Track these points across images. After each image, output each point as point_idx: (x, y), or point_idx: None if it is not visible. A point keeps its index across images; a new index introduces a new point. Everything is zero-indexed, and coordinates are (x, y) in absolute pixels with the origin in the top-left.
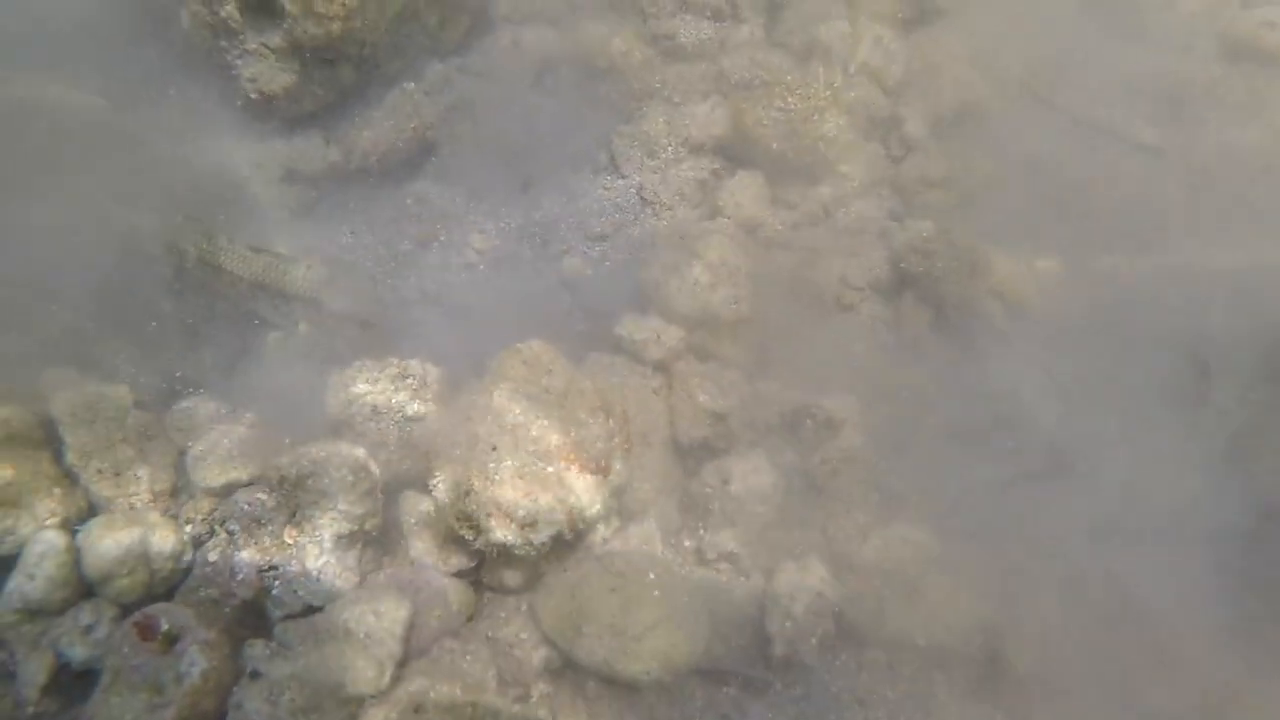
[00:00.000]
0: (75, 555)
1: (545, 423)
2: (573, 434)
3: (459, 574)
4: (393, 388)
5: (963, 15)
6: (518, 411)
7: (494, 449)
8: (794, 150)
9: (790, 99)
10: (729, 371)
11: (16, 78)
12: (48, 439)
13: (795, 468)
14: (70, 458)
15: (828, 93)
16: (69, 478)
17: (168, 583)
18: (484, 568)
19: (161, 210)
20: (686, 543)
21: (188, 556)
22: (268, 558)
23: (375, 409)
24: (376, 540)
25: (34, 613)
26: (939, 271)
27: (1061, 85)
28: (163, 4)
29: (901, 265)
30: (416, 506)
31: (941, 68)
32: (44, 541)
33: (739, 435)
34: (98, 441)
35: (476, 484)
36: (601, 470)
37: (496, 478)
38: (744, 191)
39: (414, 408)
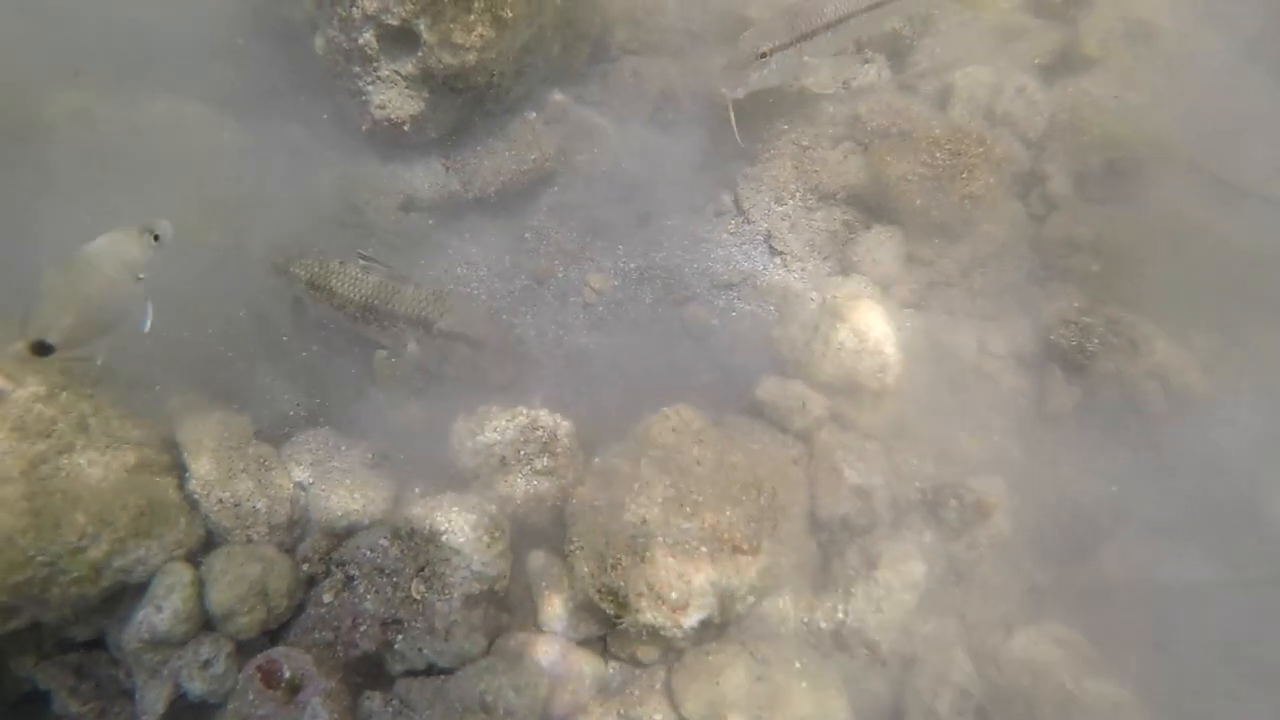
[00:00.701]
0: (199, 589)
1: (699, 498)
2: (727, 512)
3: (587, 640)
4: (521, 439)
5: (1114, 65)
6: (669, 484)
7: (643, 522)
8: (937, 207)
9: (939, 154)
10: (870, 444)
11: (160, 97)
12: (173, 464)
13: (936, 550)
14: (192, 485)
15: (980, 150)
16: (190, 505)
17: (280, 620)
18: (613, 636)
19: (276, 233)
20: (823, 624)
21: (300, 594)
22: (392, 610)
23: (504, 461)
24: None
25: (157, 644)
26: (1094, 347)
27: (1225, 148)
28: (293, 28)
29: (1050, 338)
30: (548, 569)
31: (1090, 122)
32: (172, 574)
33: (880, 513)
34: (220, 471)
35: (624, 559)
36: (752, 551)
37: (647, 554)
38: (881, 248)
39: (543, 462)
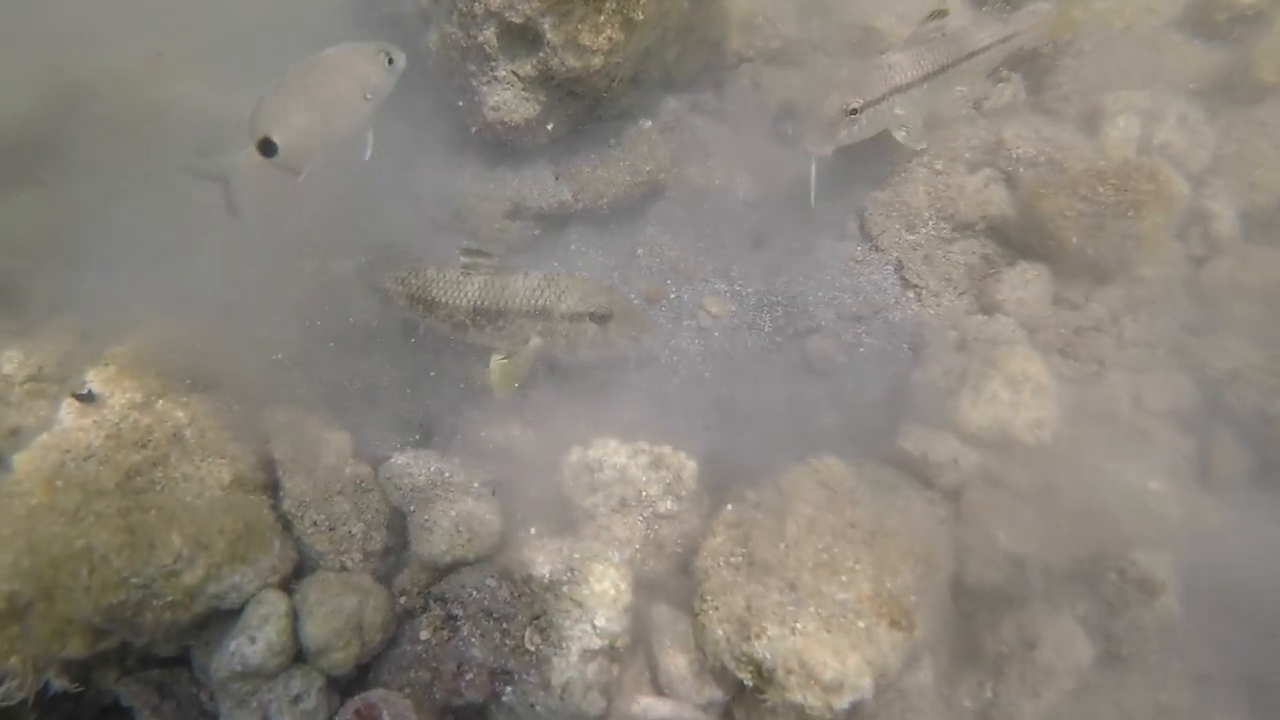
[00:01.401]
0: (293, 620)
1: (855, 566)
2: (887, 584)
3: (711, 705)
4: (643, 478)
5: None
6: (821, 548)
7: (792, 588)
8: (1094, 246)
9: (1102, 189)
10: (1023, 505)
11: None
12: (267, 482)
13: (1091, 626)
14: (287, 505)
15: (1151, 186)
16: (283, 526)
17: (372, 654)
18: (739, 702)
19: (369, 238)
20: (966, 701)
21: (393, 628)
22: (501, 660)
23: (623, 501)
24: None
25: (249, 675)
26: (1276, 410)
27: None
28: (402, 21)
29: (1221, 396)
30: (672, 625)
31: (1262, 156)
32: (267, 603)
33: (1033, 582)
34: (316, 491)
35: (770, 628)
36: (910, 627)
37: (798, 626)
38: (1027, 287)
39: (666, 505)
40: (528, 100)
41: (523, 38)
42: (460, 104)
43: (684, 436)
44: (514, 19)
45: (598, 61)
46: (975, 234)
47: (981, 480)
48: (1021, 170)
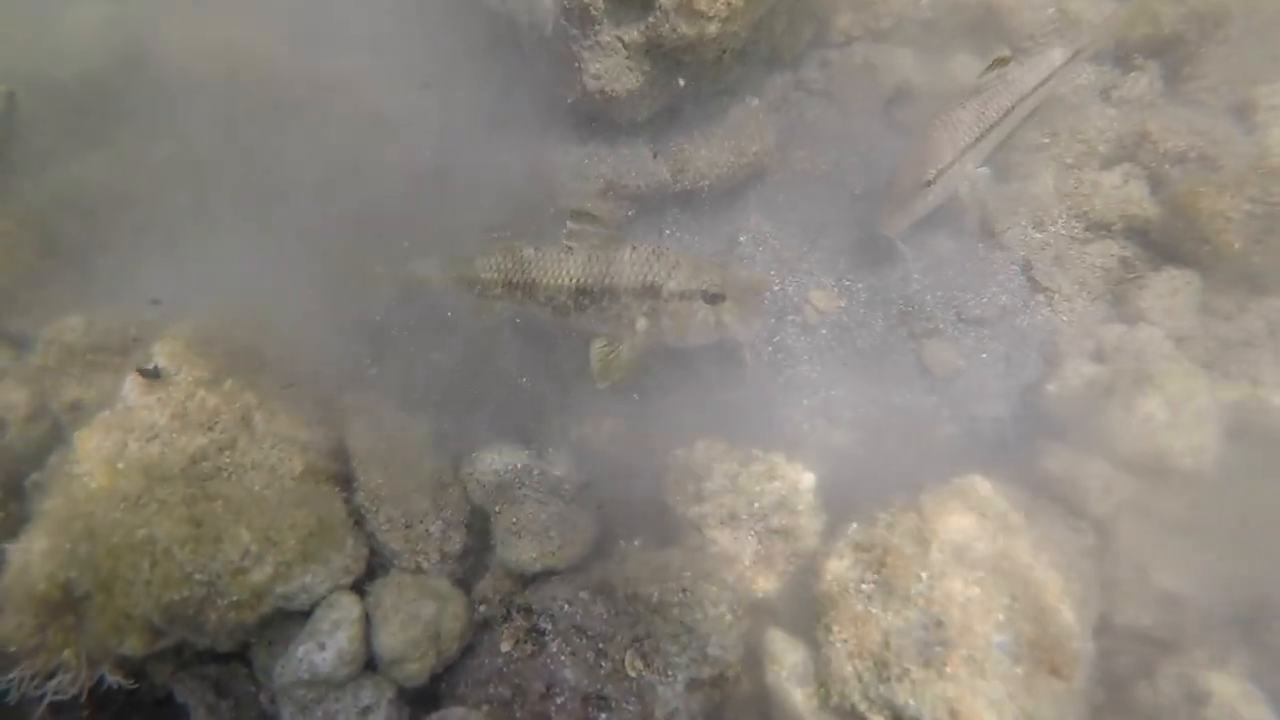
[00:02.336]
0: (366, 626)
1: (1013, 604)
2: (1050, 626)
3: None
4: (756, 489)
5: None
6: (972, 580)
7: (939, 625)
8: (1260, 253)
9: (1276, 189)
10: (1181, 540)
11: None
12: (340, 474)
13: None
14: (361, 498)
15: None
16: (356, 520)
17: (446, 663)
18: None
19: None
20: None
21: (469, 637)
22: (597, 685)
23: (733, 515)
24: None
25: (316, 683)
26: None
27: None
28: None
29: None
30: (788, 655)
31: None
32: (339, 608)
33: (1190, 628)
34: (392, 485)
35: (914, 669)
36: (1071, 676)
37: (947, 670)
38: (1176, 296)
39: (779, 520)
40: (631, 70)
41: (632, 1)
42: (557, 72)
43: (791, 442)
44: None
45: (713, 29)
46: (1112, 235)
47: (1134, 510)
48: (1168, 167)
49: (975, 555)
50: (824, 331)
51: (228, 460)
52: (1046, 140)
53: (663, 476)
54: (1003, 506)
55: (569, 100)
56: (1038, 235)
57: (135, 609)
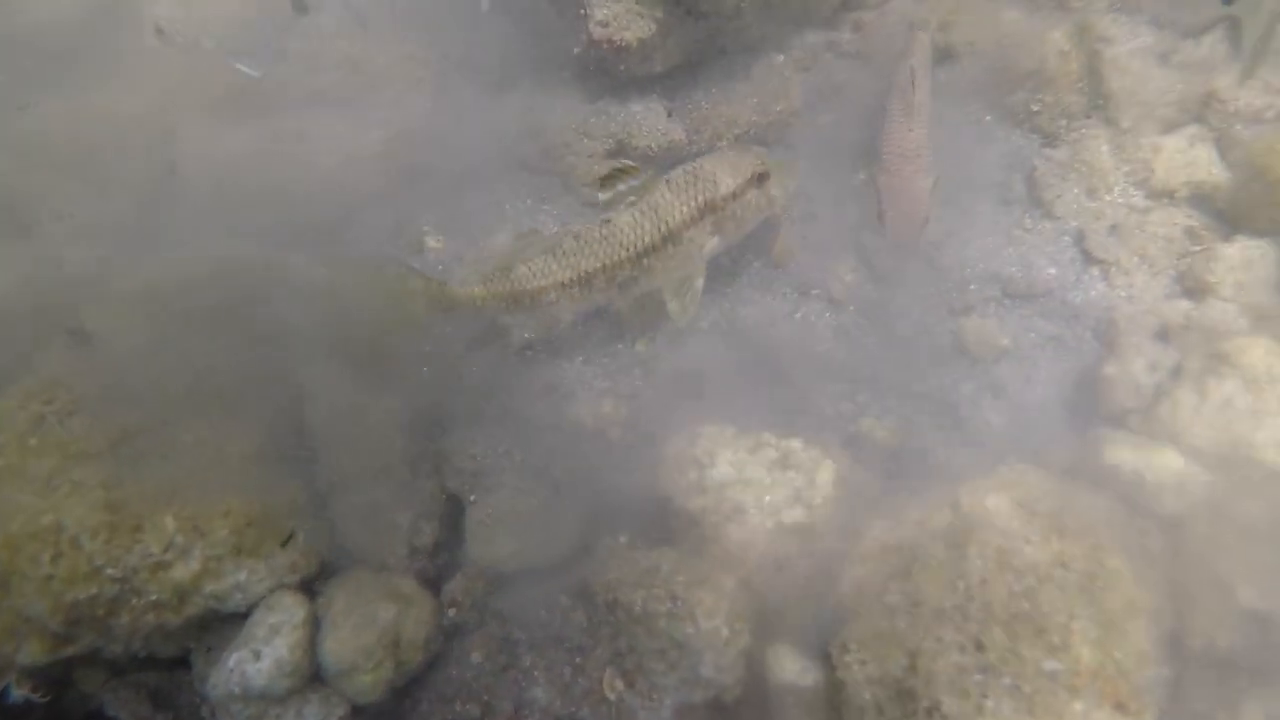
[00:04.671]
0: (312, 630)
1: (1070, 622)
2: (1115, 651)
3: None
4: (767, 478)
5: None
6: (1019, 593)
7: (978, 647)
8: None
9: None
10: (1264, 548)
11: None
12: (299, 453)
13: None
14: (321, 481)
15: None
16: (316, 507)
17: (408, 675)
18: None
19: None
20: None
21: (437, 645)
22: (570, 706)
23: (739, 508)
24: None
25: (250, 699)
26: None
27: None
28: None
29: None
30: (799, 679)
31: None
32: (281, 610)
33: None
34: (357, 468)
35: (947, 701)
36: (1139, 712)
37: (988, 704)
38: (1249, 269)
39: (794, 514)
40: (642, 17)
41: None
42: (561, 20)
43: (815, 429)
44: None
45: None
46: (1176, 203)
47: (1211, 510)
48: (1240, 128)
49: (1022, 562)
50: (852, 308)
51: (169, 437)
52: (1100, 102)
53: (662, 465)
54: (1055, 503)
55: (575, 51)
56: (1091, 204)
57: (31, 609)
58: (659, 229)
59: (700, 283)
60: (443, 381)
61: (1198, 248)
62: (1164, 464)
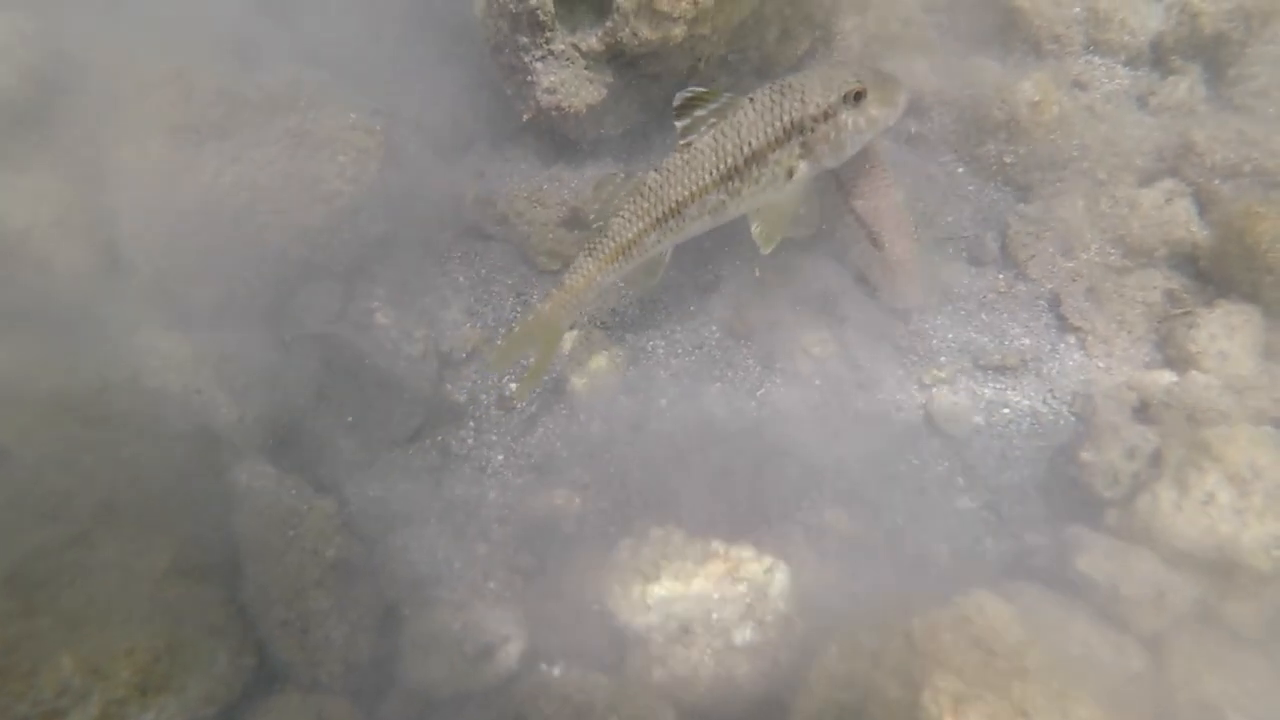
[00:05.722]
0: None
1: None
2: None
3: None
4: (715, 592)
5: None
6: None
7: None
8: None
9: None
10: (1255, 661)
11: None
12: (223, 563)
13: None
14: (246, 595)
15: None
16: (240, 626)
17: None
18: None
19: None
20: None
21: None
22: None
23: (686, 629)
24: None
25: None
26: None
27: None
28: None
29: None
30: None
31: None
32: None
33: None
34: (286, 580)
35: None
36: None
37: None
38: (1231, 336)
39: (744, 633)
40: (592, 82)
41: (585, 3)
42: (510, 86)
43: (775, 520)
44: None
45: (678, 32)
46: (1155, 263)
47: (1195, 621)
48: (1218, 183)
49: (982, 710)
50: (818, 382)
51: (73, 558)
52: (1075, 153)
53: (609, 572)
54: (1018, 636)
55: (525, 117)
56: (1067, 264)
57: None
58: (741, 150)
59: (790, 205)
60: (383, 475)
61: (1179, 311)
62: (1142, 574)
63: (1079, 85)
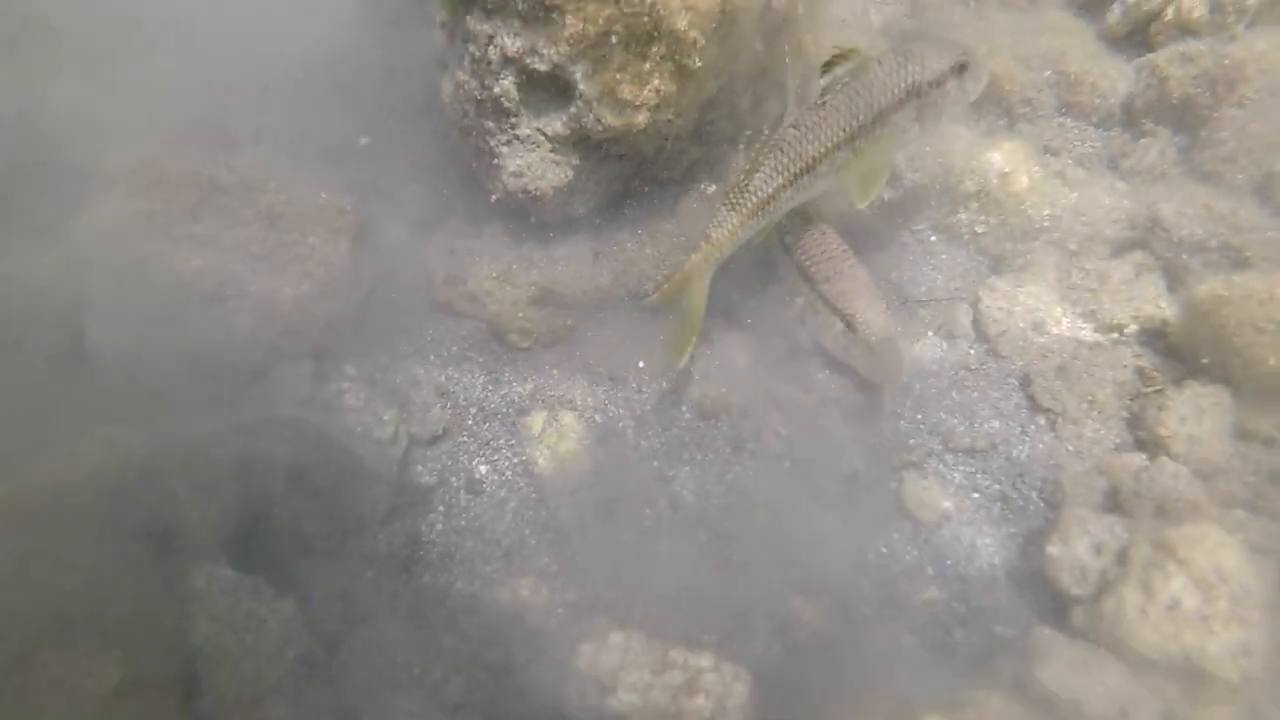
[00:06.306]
0: None
1: None
2: None
3: None
4: (673, 706)
5: None
6: None
7: None
8: None
9: None
10: None
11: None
12: (180, 674)
13: None
14: (204, 707)
15: None
16: None
17: None
18: None
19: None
20: None
21: None
22: None
23: None
24: None
25: None
26: None
27: None
28: (421, 66)
29: None
30: None
31: None
32: None
33: None
34: (245, 689)
35: None
36: None
37: None
38: (1201, 420)
39: None
40: (558, 164)
41: (550, 89)
42: (479, 166)
43: (736, 621)
44: (538, 66)
45: (642, 119)
46: (1126, 339)
47: None
48: (1186, 257)
49: None
50: (788, 464)
51: (15, 683)
52: (1046, 223)
53: (568, 679)
54: None
55: (493, 198)
56: (1038, 339)
57: None
58: (870, 109)
59: (888, 161)
60: (349, 564)
61: (1150, 389)
62: (1105, 689)
63: (1050, 151)
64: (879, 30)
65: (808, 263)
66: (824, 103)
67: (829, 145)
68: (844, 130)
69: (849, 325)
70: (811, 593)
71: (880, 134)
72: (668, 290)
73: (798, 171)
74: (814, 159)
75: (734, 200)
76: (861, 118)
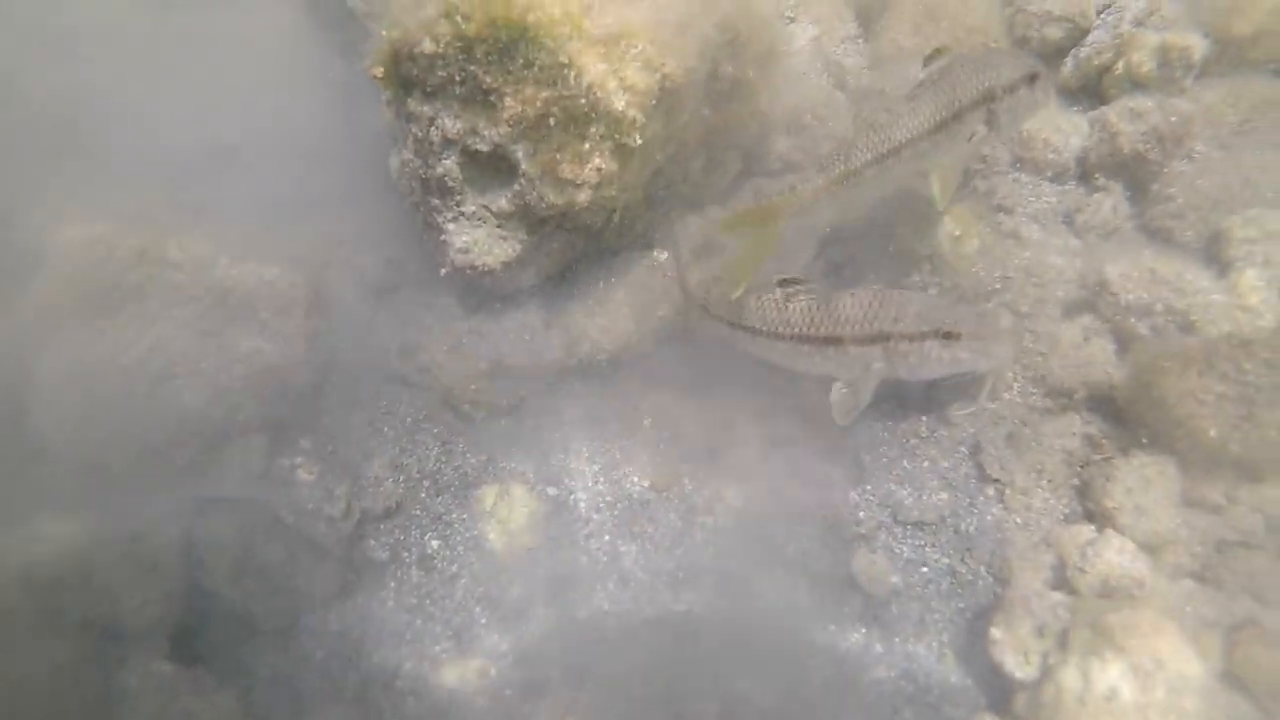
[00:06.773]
0: None
1: None
2: None
3: None
4: None
5: None
6: None
7: None
8: (1241, 442)
9: (1249, 365)
10: None
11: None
12: None
13: None
14: None
15: None
16: None
17: None
18: None
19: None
20: None
21: None
22: None
23: None
24: None
25: None
26: None
27: None
28: (374, 138)
29: None
30: None
31: None
32: None
33: None
34: None
35: None
36: None
37: None
38: (1147, 490)
39: None
40: (505, 239)
41: (493, 167)
42: (429, 239)
43: (681, 711)
44: (479, 146)
45: (584, 197)
46: (1075, 405)
47: None
48: (1133, 321)
49: None
50: (737, 537)
51: None
52: (998, 285)
53: None
54: None
55: (442, 272)
56: (989, 405)
57: None
58: (951, 106)
59: (962, 171)
60: (298, 645)
61: (1099, 458)
62: None
63: (1003, 209)
64: (836, 83)
65: (866, 325)
66: (916, 95)
67: (915, 133)
68: (930, 121)
69: (948, 337)
70: (757, 676)
71: (956, 131)
72: (745, 217)
73: (885, 152)
74: (900, 143)
75: (826, 165)
76: (945, 113)
